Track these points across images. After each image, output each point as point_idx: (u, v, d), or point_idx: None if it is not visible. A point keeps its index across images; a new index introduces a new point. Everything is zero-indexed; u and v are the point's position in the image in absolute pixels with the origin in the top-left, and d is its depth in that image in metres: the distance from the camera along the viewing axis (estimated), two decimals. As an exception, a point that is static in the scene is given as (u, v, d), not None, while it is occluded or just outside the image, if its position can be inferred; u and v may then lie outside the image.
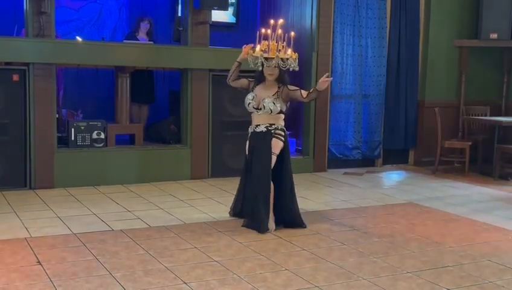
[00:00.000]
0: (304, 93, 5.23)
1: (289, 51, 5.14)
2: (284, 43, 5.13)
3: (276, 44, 5.12)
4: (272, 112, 5.18)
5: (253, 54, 5.14)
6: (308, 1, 8.04)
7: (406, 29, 8.64)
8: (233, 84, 5.42)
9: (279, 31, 5.11)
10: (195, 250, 4.60)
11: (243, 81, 5.38)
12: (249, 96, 5.27)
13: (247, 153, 5.38)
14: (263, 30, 5.14)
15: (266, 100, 5.16)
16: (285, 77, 5.25)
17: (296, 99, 5.30)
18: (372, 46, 8.43)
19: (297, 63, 5.18)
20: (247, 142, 5.37)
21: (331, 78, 5.19)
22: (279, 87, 5.22)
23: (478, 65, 9.09)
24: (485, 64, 9.16)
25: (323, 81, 5.09)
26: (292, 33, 5.19)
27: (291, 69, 5.16)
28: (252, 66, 5.20)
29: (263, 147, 5.21)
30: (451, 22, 8.88)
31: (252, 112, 5.31)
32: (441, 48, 8.86)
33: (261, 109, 5.19)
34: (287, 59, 5.10)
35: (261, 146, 5.22)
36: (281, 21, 5.12)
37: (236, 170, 7.13)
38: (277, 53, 5.09)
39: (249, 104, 5.26)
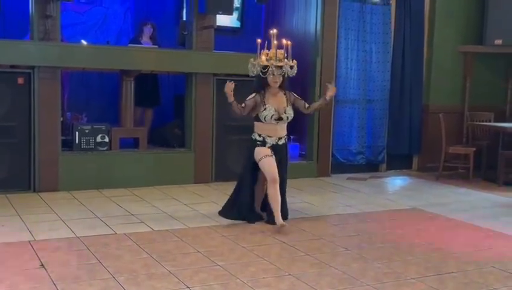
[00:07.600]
0: (306, 104, 5.48)
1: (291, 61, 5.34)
2: (282, 50, 5.31)
3: (276, 52, 5.29)
4: (289, 119, 5.40)
5: (261, 63, 5.27)
6: (312, 6, 8.06)
7: (411, 35, 8.64)
8: (247, 113, 5.43)
9: (275, 42, 5.31)
10: (199, 254, 4.60)
11: (250, 104, 5.37)
12: (270, 110, 5.31)
13: (275, 163, 5.37)
14: (259, 40, 5.30)
15: (287, 108, 5.34)
16: (287, 83, 5.43)
17: (299, 108, 5.50)
18: (376, 51, 8.43)
19: (295, 70, 5.37)
20: (272, 154, 5.36)
21: (334, 87, 5.48)
22: (284, 93, 5.38)
23: (483, 71, 9.08)
24: (489, 70, 9.15)
25: (331, 89, 5.35)
26: (288, 42, 5.34)
27: (291, 75, 5.35)
28: (253, 73, 5.32)
29: (285, 156, 5.56)
30: (456, 27, 8.88)
31: (269, 123, 5.35)
32: (445, 54, 8.85)
33: (282, 119, 5.34)
34: (292, 66, 5.30)
35: (284, 156, 5.55)
36: (274, 31, 5.32)
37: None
38: (285, 60, 5.28)
39: (272, 117, 5.31)
